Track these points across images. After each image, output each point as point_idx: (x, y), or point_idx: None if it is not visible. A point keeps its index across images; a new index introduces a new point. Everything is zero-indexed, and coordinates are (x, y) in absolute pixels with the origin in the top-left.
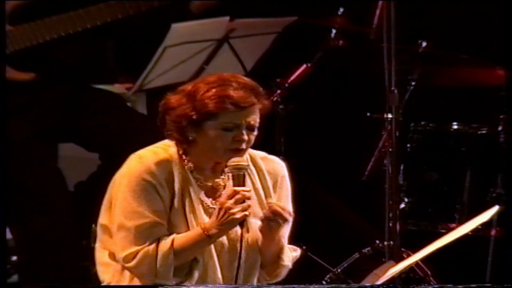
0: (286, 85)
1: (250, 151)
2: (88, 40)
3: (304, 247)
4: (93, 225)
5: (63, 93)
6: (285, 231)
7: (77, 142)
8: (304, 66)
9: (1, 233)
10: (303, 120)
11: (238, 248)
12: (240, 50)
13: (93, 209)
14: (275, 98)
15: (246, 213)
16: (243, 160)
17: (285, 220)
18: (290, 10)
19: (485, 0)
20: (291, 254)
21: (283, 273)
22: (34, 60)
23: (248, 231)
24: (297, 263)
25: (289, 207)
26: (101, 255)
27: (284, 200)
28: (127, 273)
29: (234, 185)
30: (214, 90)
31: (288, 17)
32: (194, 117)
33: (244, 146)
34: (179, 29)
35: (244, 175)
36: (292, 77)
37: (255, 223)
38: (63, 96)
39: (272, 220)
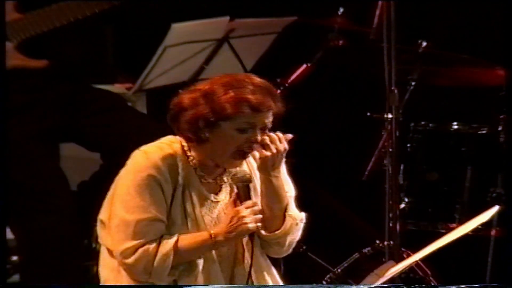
0: (286, 85)
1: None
2: (93, 36)
3: (304, 247)
4: (95, 224)
5: (64, 93)
6: (289, 199)
7: (78, 142)
8: (304, 66)
9: (1, 233)
10: (303, 121)
11: (249, 259)
12: (240, 50)
13: (94, 208)
14: None
15: (259, 224)
16: (245, 171)
17: (273, 142)
18: (290, 10)
19: (485, 0)
20: (298, 212)
21: (290, 227)
22: (36, 56)
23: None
24: (297, 263)
25: (288, 183)
26: (102, 250)
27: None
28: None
29: (239, 196)
30: (231, 92)
31: (288, 17)
32: (211, 118)
33: (255, 147)
34: (179, 29)
35: (249, 187)
36: (292, 77)
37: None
38: (63, 96)
39: (265, 149)
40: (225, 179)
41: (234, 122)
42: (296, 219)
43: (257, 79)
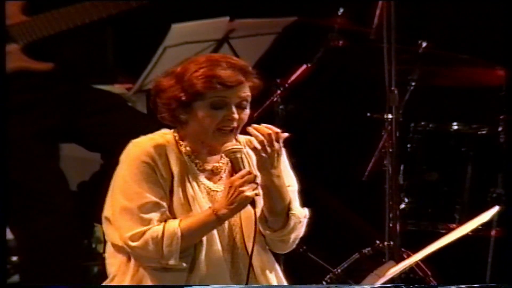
0: (286, 85)
1: (247, 136)
2: (93, 38)
3: (304, 247)
4: (95, 225)
5: (64, 94)
6: (292, 194)
7: (78, 142)
8: (304, 66)
9: (1, 233)
10: (303, 121)
11: (253, 228)
12: (240, 50)
13: (94, 209)
14: (275, 98)
15: (257, 191)
16: (236, 143)
17: (270, 144)
18: (290, 10)
19: (485, 0)
20: (301, 209)
21: (294, 225)
22: (36, 56)
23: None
24: (297, 263)
25: (291, 177)
26: (108, 247)
27: (284, 171)
28: (132, 264)
29: (234, 169)
30: (202, 70)
31: (288, 17)
32: (183, 98)
33: (235, 124)
34: (179, 29)
35: (241, 158)
36: (292, 77)
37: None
38: (63, 96)
39: (260, 150)
40: (222, 166)
41: (206, 99)
42: (300, 217)
43: (232, 57)
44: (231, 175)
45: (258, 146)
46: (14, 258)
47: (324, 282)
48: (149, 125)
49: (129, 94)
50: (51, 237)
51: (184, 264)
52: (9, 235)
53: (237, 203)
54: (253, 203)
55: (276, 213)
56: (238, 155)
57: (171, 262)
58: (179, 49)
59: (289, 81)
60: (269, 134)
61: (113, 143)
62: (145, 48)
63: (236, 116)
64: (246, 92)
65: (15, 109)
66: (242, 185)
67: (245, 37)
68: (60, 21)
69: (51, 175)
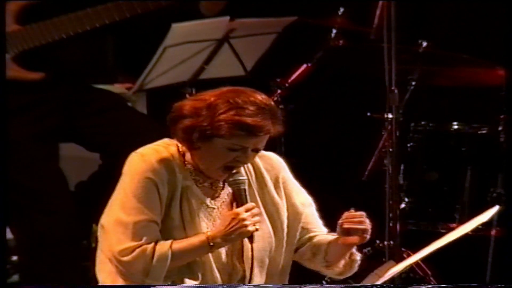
0: (286, 85)
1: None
2: (93, 39)
3: None
4: (94, 225)
5: (64, 94)
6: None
7: (78, 142)
8: (304, 66)
9: (1, 233)
10: (303, 120)
11: (250, 261)
12: (240, 50)
13: (93, 209)
14: (275, 98)
15: (257, 227)
16: (241, 174)
17: (361, 224)
18: (290, 10)
19: (485, 0)
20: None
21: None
22: (36, 61)
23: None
24: (297, 263)
25: (304, 197)
26: (98, 253)
27: (296, 194)
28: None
29: (236, 200)
30: (232, 112)
31: (288, 17)
32: (207, 132)
33: (240, 165)
34: (179, 29)
35: (245, 190)
36: (292, 77)
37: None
38: (63, 96)
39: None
40: (221, 184)
41: (227, 141)
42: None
43: (262, 100)
44: (232, 205)
45: (360, 237)
46: (14, 258)
47: (324, 282)
48: (149, 126)
49: (129, 93)
50: (51, 237)
51: (169, 283)
52: (9, 235)
53: (235, 235)
54: (251, 238)
55: (339, 262)
56: (242, 187)
57: (155, 282)
58: (179, 49)
59: (289, 81)
60: (356, 219)
61: (113, 143)
62: (145, 48)
63: (247, 160)
64: (266, 139)
65: (15, 109)
66: (246, 218)
67: (245, 37)
68: (52, 31)
69: (51, 175)
